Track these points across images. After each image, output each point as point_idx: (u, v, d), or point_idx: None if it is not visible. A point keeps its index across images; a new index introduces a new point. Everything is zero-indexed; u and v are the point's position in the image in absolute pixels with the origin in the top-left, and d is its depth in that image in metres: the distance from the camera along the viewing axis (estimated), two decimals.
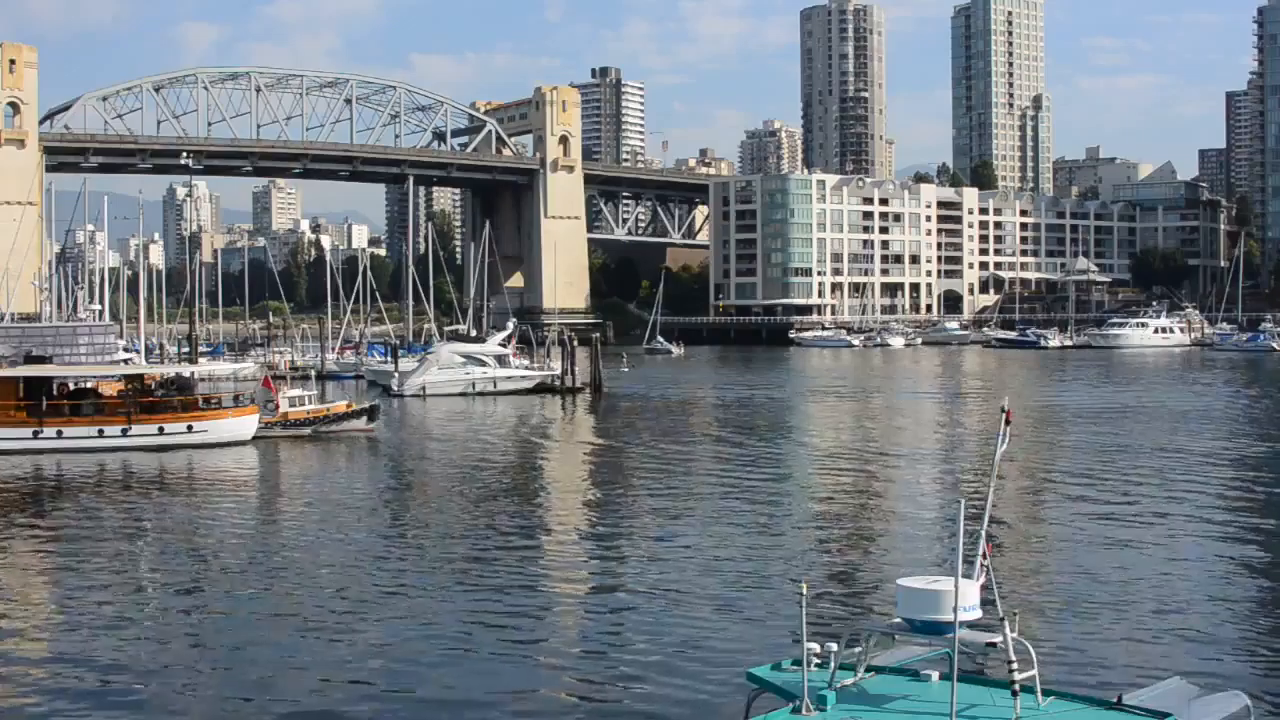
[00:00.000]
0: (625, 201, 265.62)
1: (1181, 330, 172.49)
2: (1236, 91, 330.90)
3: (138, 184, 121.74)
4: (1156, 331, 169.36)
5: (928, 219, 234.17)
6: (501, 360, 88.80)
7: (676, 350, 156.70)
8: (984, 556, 12.01)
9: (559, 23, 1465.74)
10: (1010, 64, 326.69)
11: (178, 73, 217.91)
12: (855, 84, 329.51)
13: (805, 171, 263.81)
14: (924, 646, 11.79)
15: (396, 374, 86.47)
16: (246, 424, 54.92)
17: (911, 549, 29.70)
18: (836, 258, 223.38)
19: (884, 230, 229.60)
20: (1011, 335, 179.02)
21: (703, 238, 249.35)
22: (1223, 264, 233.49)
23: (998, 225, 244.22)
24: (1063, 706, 11.34)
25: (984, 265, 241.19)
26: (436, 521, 34.89)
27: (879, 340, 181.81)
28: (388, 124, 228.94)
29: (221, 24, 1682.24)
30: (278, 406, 57.93)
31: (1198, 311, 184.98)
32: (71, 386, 56.60)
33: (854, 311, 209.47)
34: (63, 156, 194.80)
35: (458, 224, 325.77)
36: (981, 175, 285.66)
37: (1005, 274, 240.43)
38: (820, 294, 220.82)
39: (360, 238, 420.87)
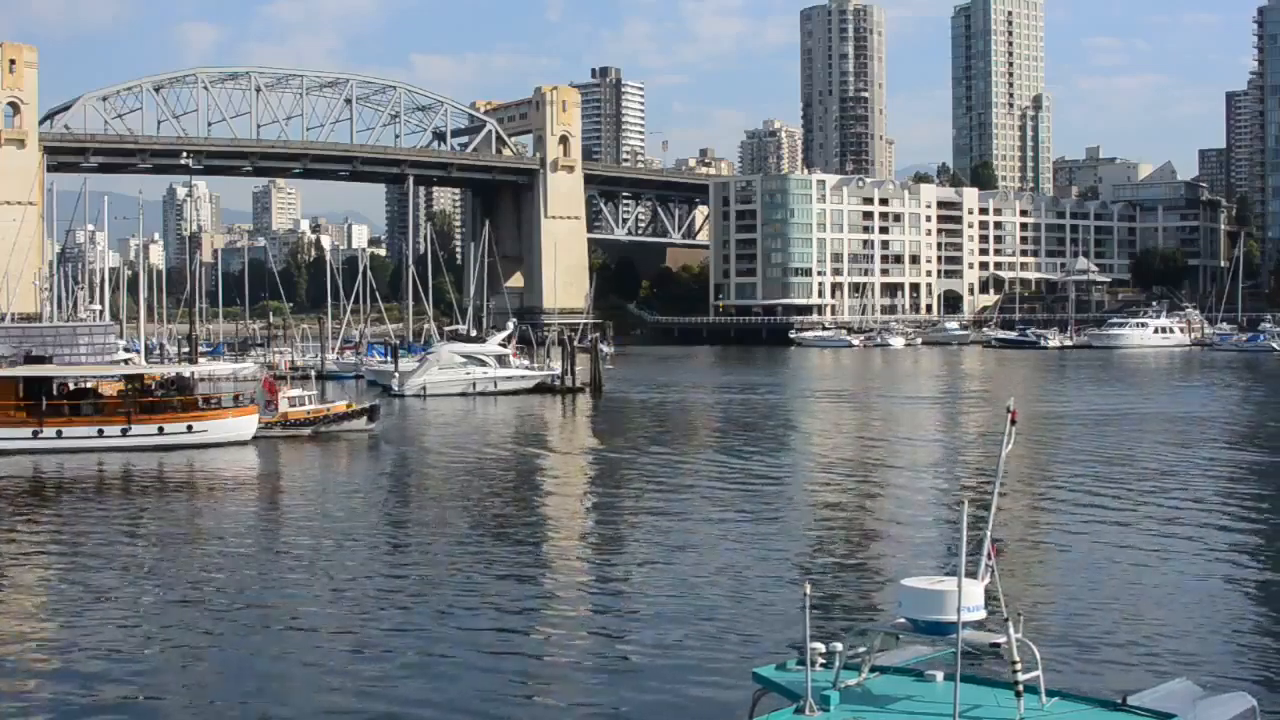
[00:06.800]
0: (625, 201, 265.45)
1: (1181, 330, 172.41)
2: (1236, 91, 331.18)
3: (138, 184, 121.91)
4: (1156, 331, 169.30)
5: (928, 219, 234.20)
6: (501, 360, 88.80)
7: (607, 349, 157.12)
8: (988, 557, 11.97)
9: (559, 23, 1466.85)
10: (1010, 64, 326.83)
11: (178, 73, 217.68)
12: (855, 84, 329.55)
13: (805, 171, 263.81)
14: (928, 647, 11.75)
15: (396, 374, 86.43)
16: (246, 424, 54.86)
17: (915, 549, 29.66)
18: (836, 258, 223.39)
19: (884, 230, 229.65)
20: (1011, 335, 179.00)
21: (703, 238, 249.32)
22: (1223, 264, 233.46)
23: (998, 225, 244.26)
24: (1066, 707, 11.29)
25: (984, 265, 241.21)
26: (437, 522, 34.83)
27: (879, 340, 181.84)
28: (388, 124, 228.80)
29: (222, 24, 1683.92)
30: (277, 406, 57.86)
31: (1198, 311, 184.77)
32: (71, 386, 56.53)
33: (854, 311, 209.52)
34: (63, 156, 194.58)
35: (458, 224, 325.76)
36: (981, 175, 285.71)
37: (1005, 274, 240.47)
38: (820, 294, 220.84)
39: (360, 238, 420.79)
